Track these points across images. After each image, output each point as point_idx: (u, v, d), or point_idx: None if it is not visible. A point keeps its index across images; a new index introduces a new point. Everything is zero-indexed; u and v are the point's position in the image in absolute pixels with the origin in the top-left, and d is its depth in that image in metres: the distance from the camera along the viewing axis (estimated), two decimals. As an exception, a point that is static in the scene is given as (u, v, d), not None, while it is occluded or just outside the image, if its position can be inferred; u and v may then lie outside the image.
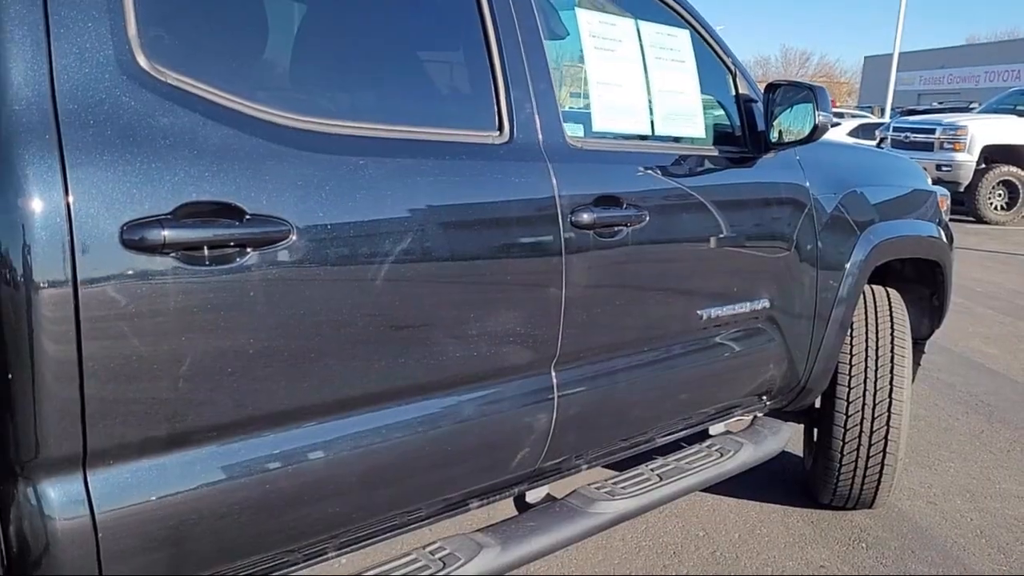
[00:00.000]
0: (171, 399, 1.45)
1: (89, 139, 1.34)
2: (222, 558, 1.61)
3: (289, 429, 1.62)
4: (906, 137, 13.97)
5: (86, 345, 1.33)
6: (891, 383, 3.07)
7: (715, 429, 2.87)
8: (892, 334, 3.13)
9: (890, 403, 3.06)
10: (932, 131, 13.48)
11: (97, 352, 1.34)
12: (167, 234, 1.38)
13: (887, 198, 3.20)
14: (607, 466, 2.70)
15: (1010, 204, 13.10)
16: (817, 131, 2.51)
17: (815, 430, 3.36)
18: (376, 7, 1.91)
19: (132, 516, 1.43)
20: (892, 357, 3.08)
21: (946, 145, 13.15)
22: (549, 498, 2.34)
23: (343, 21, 1.82)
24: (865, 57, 53.72)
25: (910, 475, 3.67)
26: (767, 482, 3.52)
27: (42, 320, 1.29)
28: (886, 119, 20.00)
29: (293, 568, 1.76)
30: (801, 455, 3.61)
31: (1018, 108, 14.36)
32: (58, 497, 1.36)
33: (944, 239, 3.43)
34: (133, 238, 1.36)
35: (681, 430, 2.66)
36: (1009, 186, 13.05)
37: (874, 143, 15.52)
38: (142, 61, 1.42)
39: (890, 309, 3.18)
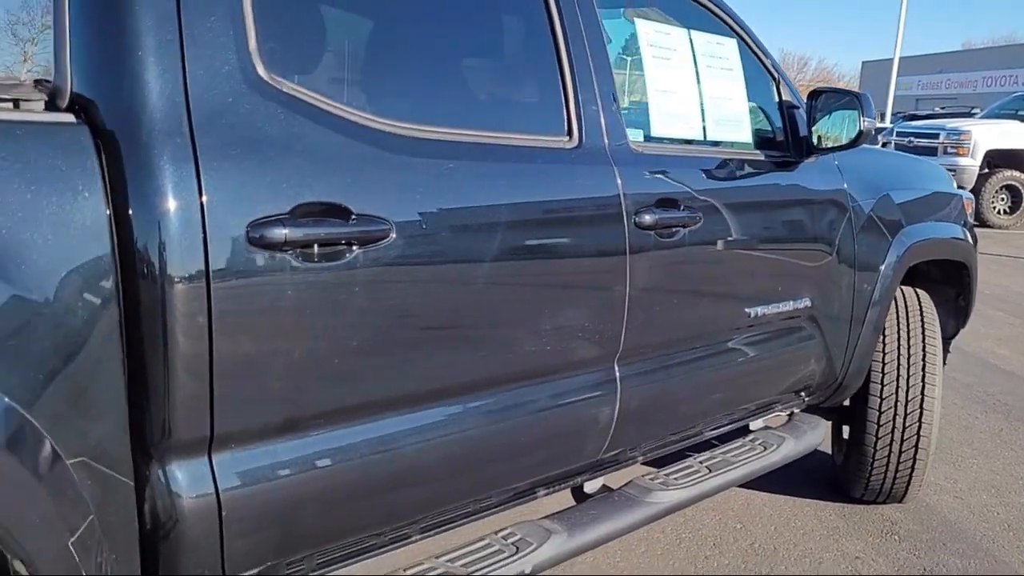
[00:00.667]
0: (286, 388, 1.54)
1: (218, 143, 1.43)
2: (322, 539, 1.71)
3: (385, 418, 1.72)
4: (910, 142, 14.10)
5: (216, 337, 1.42)
6: (923, 380, 3.17)
7: (755, 425, 2.97)
8: (923, 333, 3.22)
9: (922, 400, 3.16)
10: (936, 136, 13.61)
11: (225, 344, 1.44)
12: (287, 232, 1.48)
13: (918, 201, 3.29)
14: (648, 462, 2.80)
15: (1013, 208, 13.22)
16: (862, 136, 2.61)
17: (845, 427, 3.46)
18: (465, 27, 2.01)
19: (250, 496, 1.52)
20: (924, 355, 3.18)
21: (950, 150, 13.27)
22: (605, 488, 2.43)
23: (436, 38, 1.93)
24: (863, 62, 53.98)
25: (935, 471, 3.76)
26: (797, 478, 3.61)
27: (176, 314, 1.39)
28: (887, 124, 20.14)
29: (378, 551, 1.86)
30: (828, 452, 3.70)
31: (1019, 113, 14.48)
32: (186, 478, 1.46)
33: (970, 241, 3.53)
34: (257, 236, 1.45)
35: (726, 425, 2.76)
36: (1012, 190, 13.17)
37: (877, 147, 15.63)
38: (261, 71, 1.51)
39: (921, 309, 3.28)
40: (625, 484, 2.42)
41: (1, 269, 1.21)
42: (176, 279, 1.38)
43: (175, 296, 1.38)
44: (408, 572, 1.88)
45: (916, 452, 3.22)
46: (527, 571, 2.00)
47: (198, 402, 1.43)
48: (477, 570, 1.93)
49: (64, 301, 1.28)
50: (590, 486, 2.40)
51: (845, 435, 3.47)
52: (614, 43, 2.45)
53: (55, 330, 1.27)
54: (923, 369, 3.18)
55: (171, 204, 1.37)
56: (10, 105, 1.33)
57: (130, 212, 1.35)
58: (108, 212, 1.33)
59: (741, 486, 3.40)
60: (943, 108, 24.10)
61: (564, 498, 2.49)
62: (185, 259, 1.39)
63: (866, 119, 2.60)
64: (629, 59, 2.50)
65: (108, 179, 1.34)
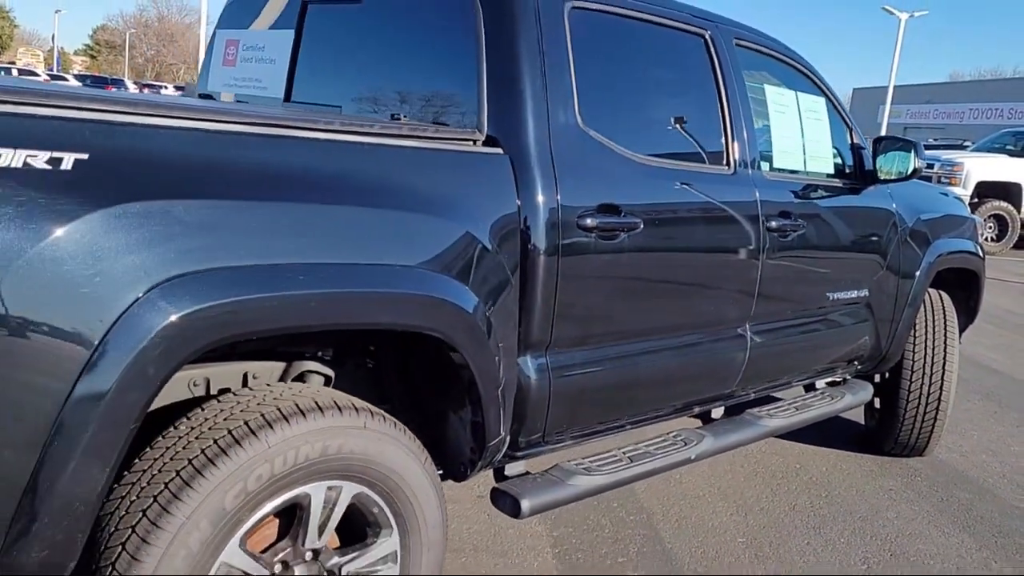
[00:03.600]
0: (584, 318, 2.51)
1: (564, 165, 2.39)
2: (589, 417, 2.67)
3: (630, 343, 2.69)
4: (907, 170, 15.18)
5: (561, 284, 2.38)
6: (944, 359, 4.17)
7: (819, 384, 3.95)
8: (945, 324, 4.22)
9: (943, 374, 4.16)
10: (931, 166, 14.70)
11: (565, 286, 2.39)
12: (594, 222, 2.44)
13: (942, 221, 4.29)
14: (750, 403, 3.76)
15: (999, 236, 14.35)
16: (916, 172, 3.60)
17: (876, 399, 4.44)
18: (676, 101, 2.99)
19: (564, 382, 2.48)
20: (945, 341, 4.18)
21: (943, 179, 14.36)
22: (726, 415, 3.40)
23: (662, 110, 2.91)
24: (854, 89, 55.36)
25: (944, 439, 4.72)
26: (838, 439, 4.61)
27: (541, 271, 2.34)
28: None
29: (603, 435, 2.82)
30: (856, 420, 4.68)
31: (1007, 148, 15.72)
32: (535, 365, 2.42)
33: (980, 255, 4.54)
34: (581, 222, 2.41)
35: (805, 379, 3.75)
36: (999, 219, 14.31)
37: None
38: (581, 124, 2.48)
39: (943, 306, 4.29)
40: (742, 413, 3.40)
41: (473, 231, 2.16)
42: (543, 242, 2.33)
43: (540, 260, 2.34)
44: (622, 450, 2.85)
45: (937, 414, 4.21)
46: (692, 457, 2.98)
47: (547, 321, 2.39)
48: (663, 452, 2.90)
49: (497, 249, 2.23)
50: (716, 413, 3.37)
51: (877, 405, 4.45)
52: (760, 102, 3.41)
53: (494, 266, 2.22)
54: (944, 351, 4.18)
55: (542, 199, 2.33)
56: (469, 143, 2.29)
57: (522, 203, 2.31)
58: (518, 202, 2.29)
59: (794, 439, 4.41)
60: (936, 140, 25.35)
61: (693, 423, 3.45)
62: (548, 232, 2.34)
63: (920, 159, 3.59)
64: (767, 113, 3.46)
65: (516, 183, 2.30)
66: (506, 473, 2.62)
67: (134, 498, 1.70)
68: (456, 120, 2.45)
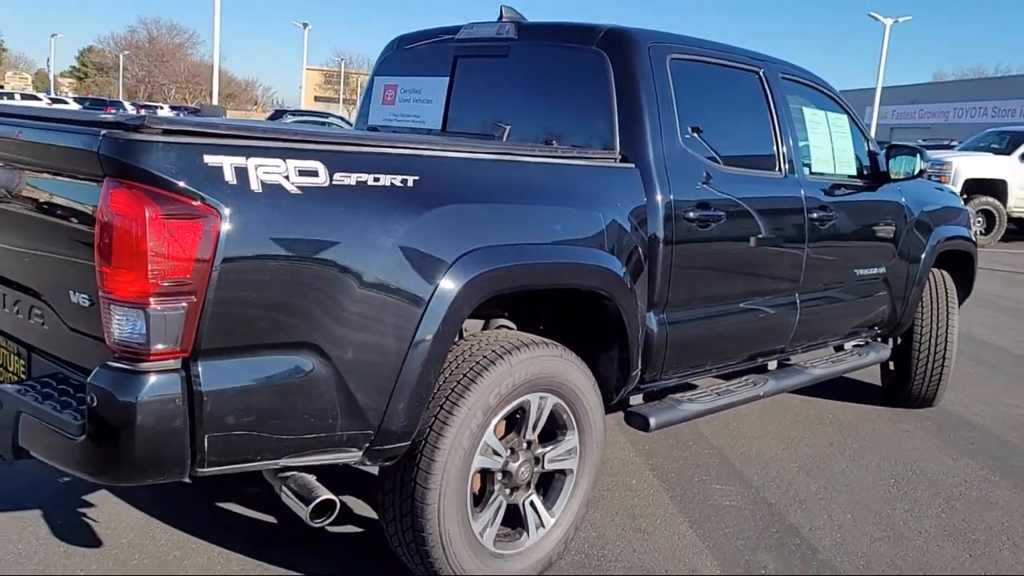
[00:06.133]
0: (687, 283, 3.43)
1: (674, 174, 3.32)
2: (690, 362, 3.59)
3: (718, 305, 3.61)
4: (899, 170, 16.19)
5: (674, 259, 3.30)
6: (947, 324, 5.12)
7: (847, 346, 4.89)
8: (947, 296, 5.18)
9: (947, 336, 5.11)
10: (921, 165, 15.70)
11: (675, 262, 3.31)
12: (695, 214, 3.36)
13: (942, 212, 5.24)
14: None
15: (987, 230, 15.36)
16: (922, 173, 4.55)
17: (891, 362, 5.37)
18: (742, 122, 3.92)
19: (677, 333, 3.40)
20: (948, 308, 5.13)
21: (933, 178, 15.33)
22: (780, 365, 4.34)
23: (735, 129, 3.85)
24: (840, 91, 56.50)
25: (947, 397, 5.64)
26: (857, 396, 5.55)
27: (660, 248, 3.26)
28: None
29: (698, 375, 3.75)
30: (873, 383, 5.62)
31: (992, 146, 16.78)
32: (656, 321, 3.34)
33: (973, 240, 5.50)
34: (686, 215, 3.33)
35: (837, 340, 4.69)
36: (987, 214, 15.33)
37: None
38: (681, 143, 3.41)
39: (944, 282, 5.24)
40: (792, 364, 4.34)
41: (619, 220, 3.09)
42: (661, 229, 3.25)
43: (660, 236, 3.26)
44: (711, 388, 3.78)
45: (942, 370, 5.16)
46: (760, 394, 3.91)
47: (664, 286, 3.31)
48: (740, 390, 3.83)
49: (633, 233, 3.15)
50: (771, 366, 4.30)
51: (891, 367, 5.39)
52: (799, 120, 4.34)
53: (632, 245, 3.14)
54: (947, 318, 5.13)
55: (660, 198, 3.26)
56: (610, 161, 3.22)
57: (647, 200, 3.24)
58: (644, 198, 3.22)
59: (825, 397, 5.35)
60: (924, 140, 26.44)
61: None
62: (665, 221, 3.26)
63: (924, 162, 4.54)
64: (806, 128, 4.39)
65: (644, 187, 3.23)
66: (630, 403, 3.53)
67: (439, 395, 2.62)
68: (592, 144, 3.37)
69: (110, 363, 2.05)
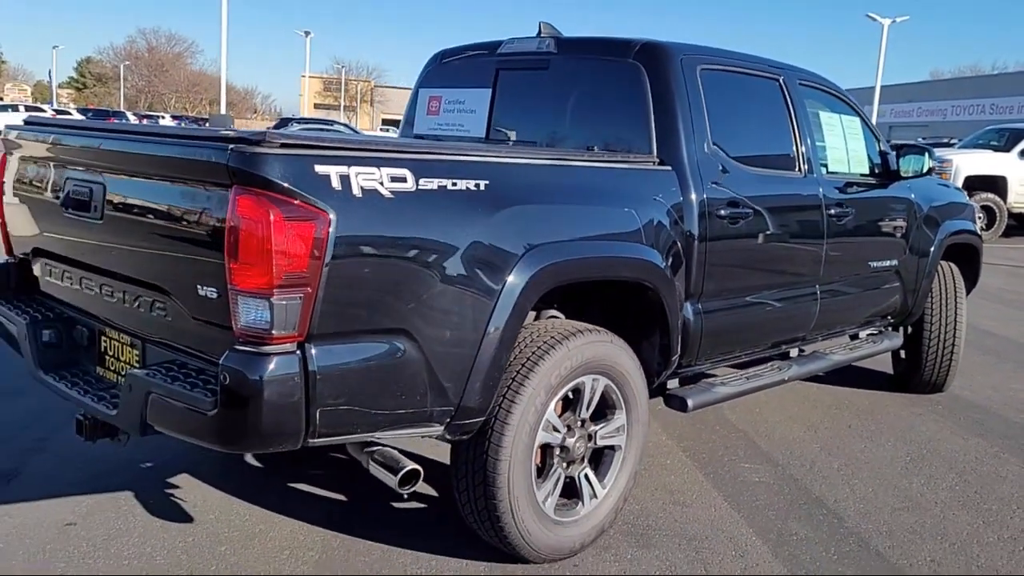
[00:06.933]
0: (721, 276, 3.73)
1: (705, 173, 3.62)
2: (723, 349, 3.89)
3: (743, 295, 3.91)
4: (901, 168, 16.51)
5: (708, 253, 3.60)
6: (956, 313, 5.42)
7: (862, 334, 5.19)
8: (955, 287, 5.48)
9: (956, 325, 5.41)
10: (923, 163, 16.00)
11: (709, 255, 3.61)
12: (725, 212, 3.66)
13: (949, 207, 5.54)
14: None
15: (988, 226, 15.66)
16: (931, 171, 4.85)
17: (903, 351, 5.66)
18: (764, 125, 4.22)
19: (711, 322, 3.70)
20: (956, 299, 5.44)
21: (934, 175, 15.66)
22: (800, 352, 4.64)
23: (756, 132, 4.15)
24: (842, 92, 56.79)
25: (956, 383, 5.93)
26: (872, 383, 5.85)
27: (696, 243, 3.56)
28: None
29: (727, 362, 4.05)
30: (885, 371, 5.91)
31: (992, 144, 17.09)
32: (692, 310, 3.64)
33: (978, 233, 5.80)
34: (718, 212, 3.64)
35: (853, 329, 4.99)
36: (988, 210, 15.63)
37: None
38: (710, 146, 3.71)
39: (952, 274, 5.54)
40: (814, 351, 4.64)
41: (658, 217, 3.39)
42: (696, 225, 3.55)
43: (695, 232, 3.56)
44: (741, 372, 4.08)
45: (952, 357, 5.46)
46: (786, 378, 4.22)
47: (700, 277, 3.61)
48: (767, 374, 4.13)
49: (671, 228, 3.45)
50: (793, 353, 4.60)
51: (903, 356, 5.69)
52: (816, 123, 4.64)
53: (670, 240, 3.44)
54: (956, 307, 5.43)
55: (694, 197, 3.56)
56: (650, 164, 3.52)
57: (682, 199, 3.54)
58: (680, 197, 3.52)
59: (840, 385, 5.65)
60: (924, 138, 26.79)
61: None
62: (699, 218, 3.55)
63: (932, 160, 4.84)
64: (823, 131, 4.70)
65: (680, 188, 3.53)
66: (668, 387, 3.83)
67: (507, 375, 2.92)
68: (631, 149, 3.67)
69: (237, 347, 2.35)
